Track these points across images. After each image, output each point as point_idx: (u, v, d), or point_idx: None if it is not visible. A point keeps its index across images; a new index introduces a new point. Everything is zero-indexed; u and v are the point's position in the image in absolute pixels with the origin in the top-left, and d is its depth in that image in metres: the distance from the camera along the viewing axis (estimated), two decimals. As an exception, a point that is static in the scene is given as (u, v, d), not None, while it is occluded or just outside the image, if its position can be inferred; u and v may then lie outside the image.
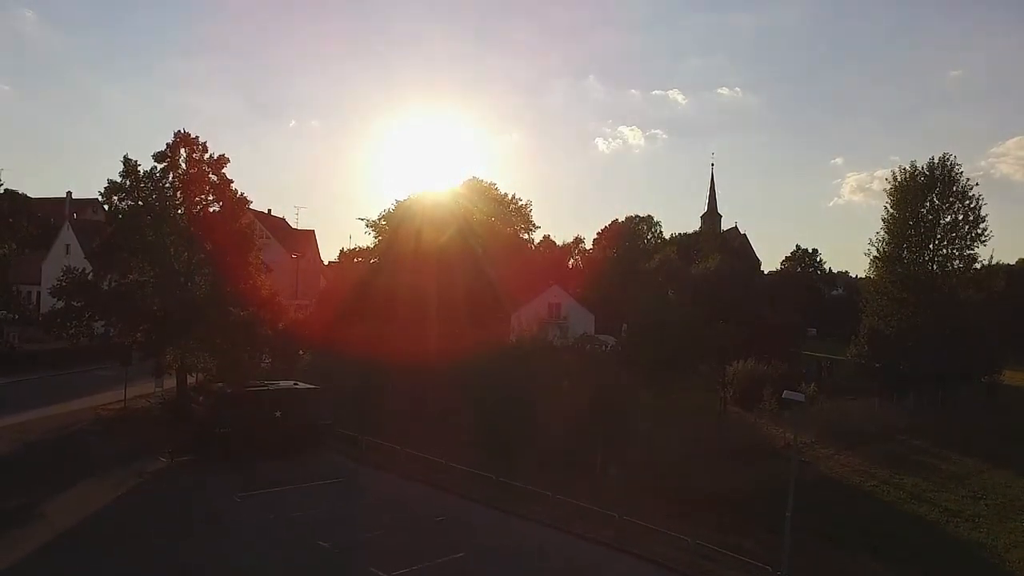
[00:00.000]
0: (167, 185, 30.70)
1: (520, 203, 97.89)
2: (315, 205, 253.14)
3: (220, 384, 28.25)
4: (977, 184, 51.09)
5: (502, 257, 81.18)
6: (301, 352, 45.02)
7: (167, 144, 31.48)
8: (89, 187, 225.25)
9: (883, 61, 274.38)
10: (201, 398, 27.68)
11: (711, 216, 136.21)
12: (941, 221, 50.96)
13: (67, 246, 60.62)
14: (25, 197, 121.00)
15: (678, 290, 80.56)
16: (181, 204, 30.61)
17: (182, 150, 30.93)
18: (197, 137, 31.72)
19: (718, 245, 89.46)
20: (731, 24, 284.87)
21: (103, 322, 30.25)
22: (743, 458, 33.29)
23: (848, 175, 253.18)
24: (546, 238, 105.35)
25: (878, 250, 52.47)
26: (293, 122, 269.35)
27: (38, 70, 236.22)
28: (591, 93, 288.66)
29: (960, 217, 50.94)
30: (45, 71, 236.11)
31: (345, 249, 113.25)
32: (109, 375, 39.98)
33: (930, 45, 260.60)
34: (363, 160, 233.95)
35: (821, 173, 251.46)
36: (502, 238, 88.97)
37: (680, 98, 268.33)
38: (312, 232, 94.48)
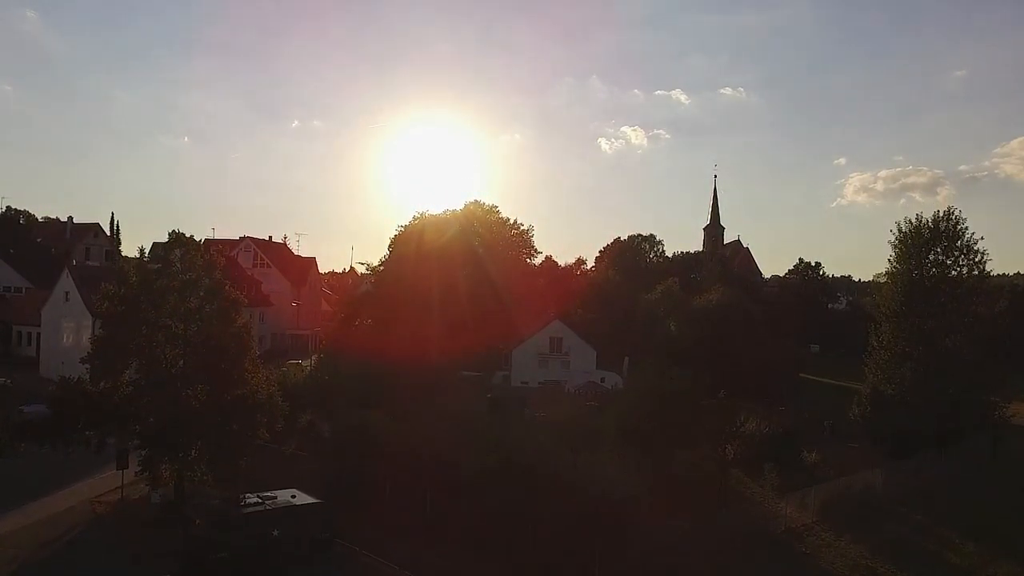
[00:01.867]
0: (162, 285, 30.36)
1: (522, 227, 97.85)
2: (317, 205, 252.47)
3: (216, 501, 28.04)
4: (983, 238, 50.87)
5: (505, 285, 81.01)
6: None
7: (162, 246, 31.22)
8: (89, 192, 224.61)
9: (887, 61, 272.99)
10: (197, 521, 27.45)
11: (713, 228, 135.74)
12: (947, 276, 50.66)
13: (66, 293, 60.24)
14: (26, 221, 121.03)
15: (679, 323, 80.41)
16: (176, 308, 30.25)
17: (177, 251, 30.65)
18: (192, 237, 31.42)
19: (720, 273, 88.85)
20: (734, 24, 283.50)
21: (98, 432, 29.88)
22: (745, 549, 33.37)
23: (851, 175, 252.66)
24: (548, 259, 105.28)
25: (883, 304, 52.23)
26: (296, 122, 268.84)
27: (40, 71, 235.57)
28: (593, 93, 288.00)
29: (965, 271, 50.69)
30: (47, 72, 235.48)
31: (348, 267, 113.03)
32: (107, 444, 39.71)
33: (934, 45, 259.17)
34: (365, 159, 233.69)
35: (824, 173, 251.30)
36: (505, 265, 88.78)
37: (683, 98, 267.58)
38: (313, 259, 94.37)
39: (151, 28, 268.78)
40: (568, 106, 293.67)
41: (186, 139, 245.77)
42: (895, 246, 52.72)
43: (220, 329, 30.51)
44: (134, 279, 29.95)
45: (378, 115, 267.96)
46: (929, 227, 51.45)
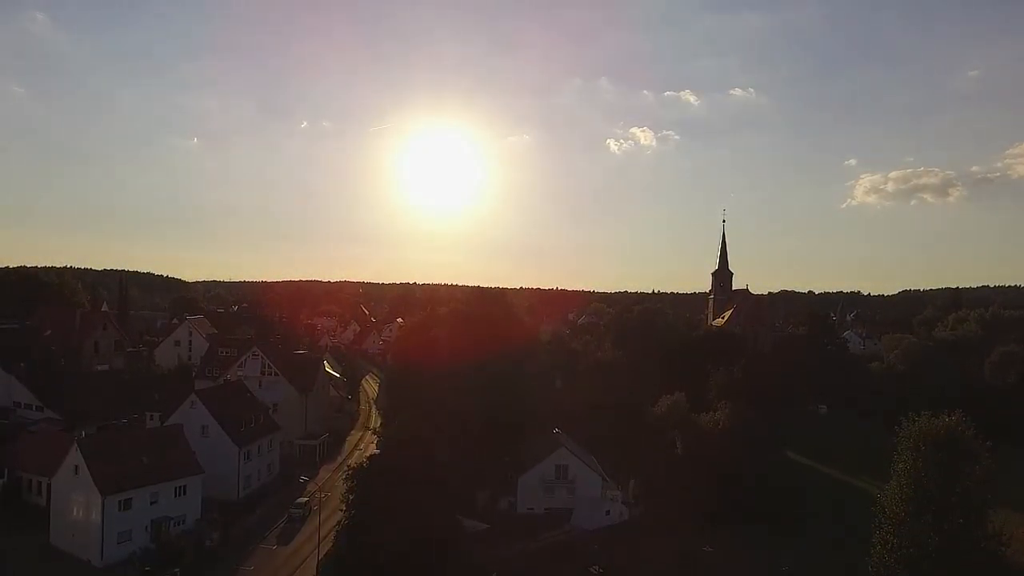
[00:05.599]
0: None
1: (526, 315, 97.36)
2: (322, 206, 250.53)
3: None
4: (990, 443, 50.42)
5: (513, 398, 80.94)
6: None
7: None
8: (91, 194, 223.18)
9: (898, 61, 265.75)
10: None
11: (722, 273, 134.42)
12: (953, 484, 50.11)
13: (76, 467, 60.56)
14: (36, 283, 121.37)
15: (685, 443, 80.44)
16: None
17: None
18: None
19: (728, 387, 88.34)
20: (744, 25, 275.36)
21: None
22: None
23: (862, 176, 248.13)
24: (555, 337, 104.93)
25: (888, 507, 51.90)
26: (305, 123, 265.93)
27: (49, 72, 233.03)
28: (602, 94, 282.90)
29: (973, 482, 50.14)
30: (56, 73, 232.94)
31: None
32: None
33: (946, 45, 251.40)
34: (374, 159, 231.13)
35: (834, 174, 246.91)
36: (512, 353, 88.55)
37: (692, 99, 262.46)
38: (321, 361, 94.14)
39: (159, 29, 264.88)
40: (577, 107, 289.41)
41: (195, 140, 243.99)
42: (902, 441, 52.53)
43: None
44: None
45: (387, 116, 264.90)
46: (941, 427, 51.19)
